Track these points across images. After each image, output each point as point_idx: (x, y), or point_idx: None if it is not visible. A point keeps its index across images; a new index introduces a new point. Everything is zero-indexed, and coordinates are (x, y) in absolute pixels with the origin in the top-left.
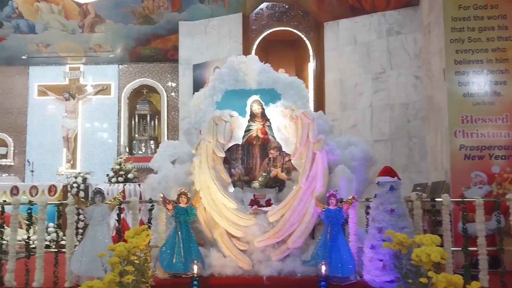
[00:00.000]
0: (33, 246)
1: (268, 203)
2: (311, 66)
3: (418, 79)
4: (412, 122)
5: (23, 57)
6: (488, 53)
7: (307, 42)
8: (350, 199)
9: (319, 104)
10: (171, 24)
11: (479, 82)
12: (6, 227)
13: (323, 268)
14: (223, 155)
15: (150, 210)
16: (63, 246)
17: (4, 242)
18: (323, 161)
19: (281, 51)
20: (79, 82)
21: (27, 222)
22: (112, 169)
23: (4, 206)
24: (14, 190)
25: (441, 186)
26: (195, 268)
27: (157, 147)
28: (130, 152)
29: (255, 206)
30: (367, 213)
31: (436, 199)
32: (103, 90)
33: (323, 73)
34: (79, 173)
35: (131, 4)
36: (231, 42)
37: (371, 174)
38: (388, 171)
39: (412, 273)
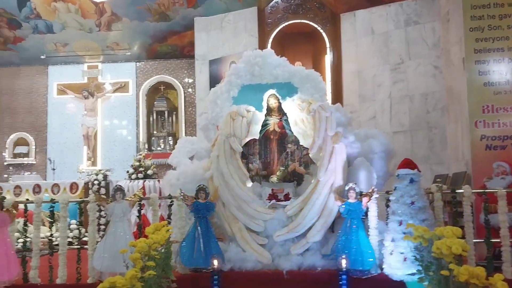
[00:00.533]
0: (56, 243)
1: (287, 197)
2: (328, 58)
3: (437, 69)
4: (432, 112)
5: (42, 57)
6: (509, 41)
7: (324, 34)
8: (369, 192)
9: (337, 96)
10: (186, 20)
11: (500, 71)
12: (29, 224)
13: (344, 261)
14: (240, 150)
15: (170, 206)
16: (86, 243)
17: (27, 239)
18: (341, 154)
19: (297, 44)
20: (98, 80)
21: (49, 220)
22: (132, 165)
23: (27, 204)
24: (37, 188)
25: (462, 177)
26: (215, 262)
27: (175, 143)
28: (149, 149)
29: (273, 201)
30: (387, 206)
31: (457, 191)
32: (121, 87)
33: (340, 65)
34: (100, 170)
35: (146, 1)
36: (247, 37)
37: (391, 166)
38: (408, 163)
39: (433, 266)
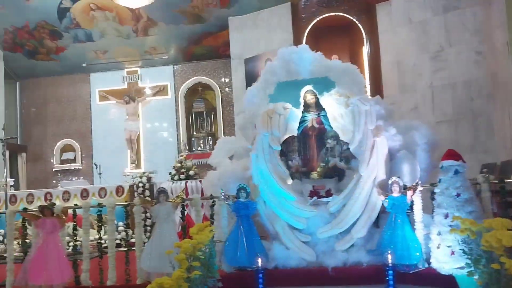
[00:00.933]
0: (105, 245)
1: (328, 194)
2: (365, 50)
3: (479, 55)
4: (476, 100)
5: (83, 65)
6: None
7: (359, 25)
8: (413, 185)
9: (376, 88)
10: (220, 20)
11: None
12: (78, 228)
13: (390, 256)
14: (279, 148)
15: (212, 206)
16: (133, 245)
17: (77, 243)
18: (383, 148)
19: (332, 38)
20: (138, 85)
21: (98, 224)
22: (174, 167)
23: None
24: (84, 193)
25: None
26: (259, 261)
27: (215, 143)
28: (190, 149)
29: (315, 198)
30: (433, 199)
31: (506, 180)
32: (160, 91)
33: (378, 56)
34: (144, 172)
35: (180, 5)
36: (281, 33)
37: (435, 158)
38: (452, 154)
39: (483, 259)
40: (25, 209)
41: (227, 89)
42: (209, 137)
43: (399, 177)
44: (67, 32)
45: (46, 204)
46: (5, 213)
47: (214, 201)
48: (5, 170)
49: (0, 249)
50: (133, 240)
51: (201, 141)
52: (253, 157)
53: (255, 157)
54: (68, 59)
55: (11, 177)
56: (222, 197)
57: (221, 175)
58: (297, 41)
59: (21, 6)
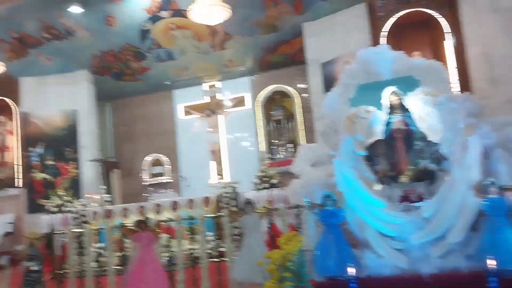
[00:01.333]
0: (195, 255)
1: (420, 198)
2: (449, 44)
3: None
4: None
5: (166, 83)
6: None
7: (441, 19)
8: None
9: (464, 84)
10: (295, 27)
11: None
12: (171, 240)
13: (492, 262)
14: (364, 153)
15: (298, 215)
16: (224, 254)
17: (171, 253)
18: (476, 147)
19: (413, 34)
20: (218, 98)
21: (190, 235)
22: (257, 176)
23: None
24: (174, 205)
25: None
26: (351, 270)
27: (296, 150)
28: (271, 158)
29: (406, 203)
30: None
31: None
32: (239, 102)
33: (463, 49)
34: (228, 183)
35: (255, 17)
36: (358, 34)
37: None
38: None
39: None
40: (122, 224)
41: (304, 95)
42: (290, 144)
43: (496, 178)
44: (150, 52)
45: (141, 218)
46: (104, 228)
47: (300, 210)
48: (103, 186)
49: (100, 263)
50: (221, 249)
51: (282, 148)
52: (337, 164)
53: (339, 163)
54: (152, 78)
55: (107, 193)
56: (308, 206)
57: (304, 183)
58: (375, 41)
59: (106, 32)
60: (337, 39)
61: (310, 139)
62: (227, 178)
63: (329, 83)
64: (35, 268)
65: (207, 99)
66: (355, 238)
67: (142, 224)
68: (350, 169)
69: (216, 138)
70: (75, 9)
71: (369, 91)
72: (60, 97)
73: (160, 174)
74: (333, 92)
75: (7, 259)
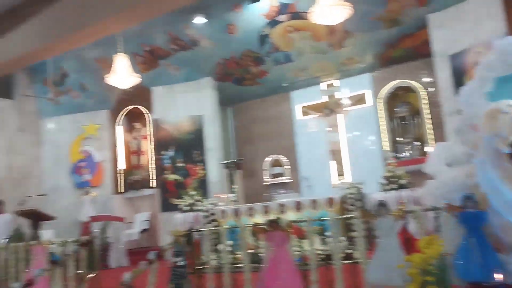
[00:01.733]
0: (324, 256)
1: None
2: None
3: None
4: None
5: (284, 85)
6: None
7: None
8: None
9: None
10: (418, 20)
11: None
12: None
13: None
14: (508, 151)
15: (435, 217)
16: (355, 257)
17: (301, 253)
18: None
19: None
20: (336, 96)
21: (320, 236)
22: (384, 176)
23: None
24: (297, 205)
25: None
26: (499, 276)
27: (423, 148)
28: (396, 157)
29: None
30: None
31: None
32: (359, 100)
33: None
34: (352, 183)
35: (376, 12)
36: (490, 22)
37: None
38: None
39: None
40: (255, 224)
41: (431, 89)
42: (416, 142)
43: None
44: (268, 56)
45: (273, 218)
46: (238, 227)
47: (437, 213)
48: (233, 186)
49: (234, 259)
50: (349, 251)
51: (408, 147)
52: (477, 164)
53: (481, 163)
54: (270, 81)
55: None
56: (446, 208)
57: (440, 184)
58: (511, 29)
59: (227, 40)
60: (466, 29)
61: (438, 136)
62: (348, 178)
63: (458, 76)
64: (182, 263)
65: (325, 99)
66: (500, 242)
67: (274, 224)
68: (494, 168)
69: (335, 138)
70: (199, 20)
71: (509, 84)
72: (187, 103)
73: (280, 175)
74: (469, 86)
75: (155, 254)
